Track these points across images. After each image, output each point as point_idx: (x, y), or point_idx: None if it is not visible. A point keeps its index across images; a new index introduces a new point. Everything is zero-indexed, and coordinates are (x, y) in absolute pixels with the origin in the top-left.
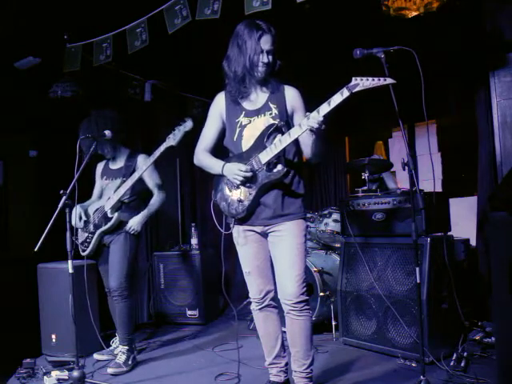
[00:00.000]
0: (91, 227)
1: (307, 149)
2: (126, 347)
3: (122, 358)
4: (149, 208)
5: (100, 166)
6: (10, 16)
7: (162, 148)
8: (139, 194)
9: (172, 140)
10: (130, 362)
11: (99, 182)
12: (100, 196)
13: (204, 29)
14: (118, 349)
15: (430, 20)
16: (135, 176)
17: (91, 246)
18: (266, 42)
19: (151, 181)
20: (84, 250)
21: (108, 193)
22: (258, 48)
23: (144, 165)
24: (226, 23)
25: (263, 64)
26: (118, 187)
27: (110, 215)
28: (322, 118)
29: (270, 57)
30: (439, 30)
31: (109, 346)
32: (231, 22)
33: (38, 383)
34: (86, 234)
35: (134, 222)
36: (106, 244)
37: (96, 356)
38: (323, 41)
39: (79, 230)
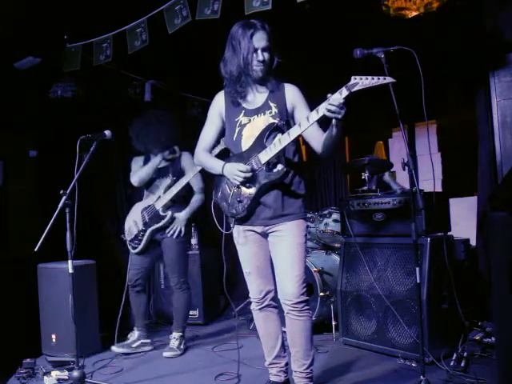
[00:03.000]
0: (141, 225)
1: (316, 143)
2: (180, 333)
3: (175, 344)
4: (190, 206)
5: (139, 161)
6: (10, 16)
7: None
8: (184, 191)
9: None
10: (182, 347)
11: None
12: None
13: (204, 29)
14: (171, 335)
15: (430, 20)
16: (190, 175)
17: (143, 242)
18: (259, 40)
19: (195, 180)
20: (135, 247)
21: (156, 191)
22: (251, 46)
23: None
24: (226, 23)
25: (258, 62)
26: (169, 186)
27: (162, 213)
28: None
29: (266, 54)
30: (439, 29)
31: (109, 345)
32: (231, 21)
33: (38, 383)
34: (136, 232)
35: (177, 223)
36: (158, 240)
37: (114, 348)
38: (323, 41)
39: (128, 227)
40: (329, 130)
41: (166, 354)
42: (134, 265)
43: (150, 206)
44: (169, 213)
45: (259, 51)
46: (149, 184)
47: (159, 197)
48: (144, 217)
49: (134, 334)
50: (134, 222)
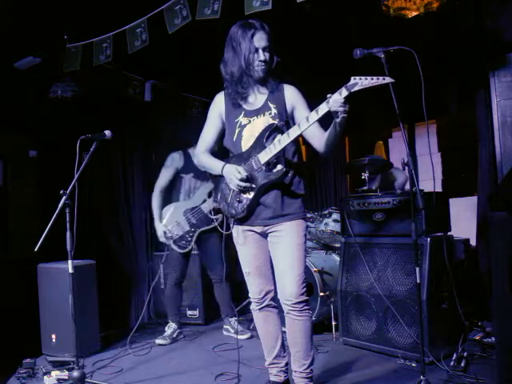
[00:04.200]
0: (187, 226)
1: (318, 142)
2: (235, 318)
3: (233, 327)
4: None
5: (176, 158)
6: (10, 16)
7: None
8: None
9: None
10: (240, 328)
11: (172, 172)
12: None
13: (204, 29)
14: (229, 319)
15: (430, 20)
16: None
17: (192, 243)
18: (259, 40)
19: None
20: (184, 247)
21: (201, 193)
22: (252, 47)
23: None
24: (226, 23)
25: (260, 62)
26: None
27: (211, 216)
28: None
29: (267, 54)
30: (439, 29)
31: (110, 344)
32: (231, 22)
33: (38, 383)
34: (181, 233)
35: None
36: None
37: (158, 341)
38: (323, 41)
39: (170, 227)
40: (332, 127)
41: (241, 336)
42: (177, 265)
43: (195, 208)
44: (220, 215)
45: (260, 51)
46: (178, 186)
47: (204, 200)
48: (189, 218)
49: (171, 326)
50: (176, 222)
